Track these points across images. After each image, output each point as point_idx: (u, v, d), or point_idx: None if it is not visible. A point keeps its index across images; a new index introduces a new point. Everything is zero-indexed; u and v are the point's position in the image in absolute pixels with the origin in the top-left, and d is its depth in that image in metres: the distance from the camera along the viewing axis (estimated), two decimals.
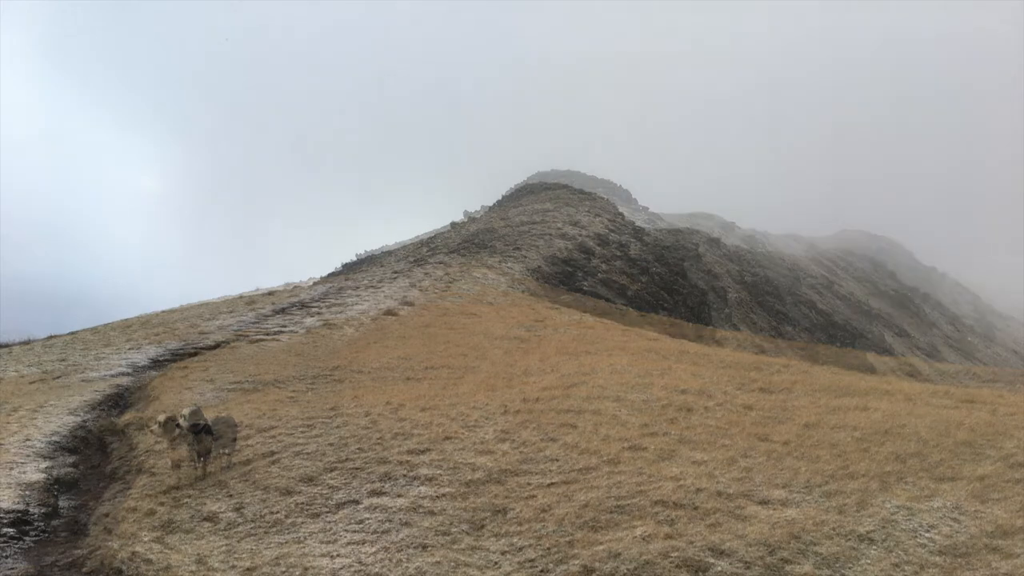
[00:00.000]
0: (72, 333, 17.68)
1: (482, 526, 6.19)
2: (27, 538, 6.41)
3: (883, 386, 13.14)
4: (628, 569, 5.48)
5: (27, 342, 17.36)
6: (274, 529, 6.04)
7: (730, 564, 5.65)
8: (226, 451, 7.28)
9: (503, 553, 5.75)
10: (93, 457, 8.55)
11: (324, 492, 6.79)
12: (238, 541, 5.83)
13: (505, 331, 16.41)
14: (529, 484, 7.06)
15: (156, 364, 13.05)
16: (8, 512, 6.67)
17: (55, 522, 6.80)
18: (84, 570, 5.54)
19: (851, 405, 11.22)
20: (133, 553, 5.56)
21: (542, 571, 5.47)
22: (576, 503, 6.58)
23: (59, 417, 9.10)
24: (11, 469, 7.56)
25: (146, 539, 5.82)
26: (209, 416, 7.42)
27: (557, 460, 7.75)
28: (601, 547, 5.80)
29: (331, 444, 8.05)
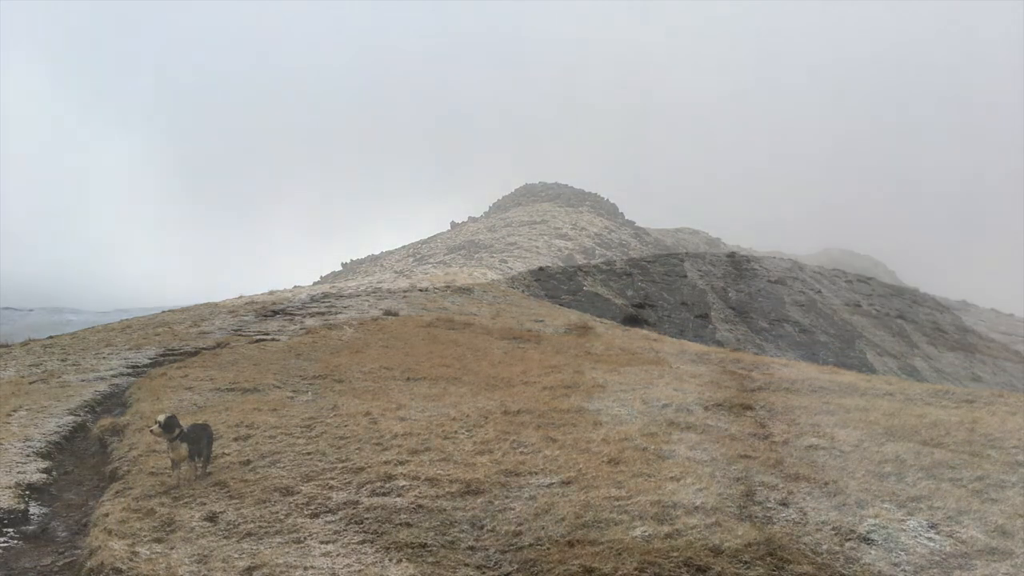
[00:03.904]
0: (72, 334, 17.68)
1: (482, 526, 6.20)
2: (26, 538, 6.42)
3: (884, 386, 13.15)
4: (629, 569, 5.48)
5: (27, 342, 17.37)
6: (274, 529, 6.04)
7: (730, 564, 5.65)
8: (201, 459, 7.22)
9: (503, 553, 5.75)
10: (93, 457, 8.54)
11: (324, 492, 6.79)
12: (238, 541, 5.83)
13: (505, 331, 16.41)
14: (529, 484, 7.07)
15: (156, 364, 13.05)
16: (8, 512, 6.67)
17: (55, 522, 6.81)
18: (83, 570, 5.54)
19: (852, 405, 11.23)
20: (133, 553, 5.56)
21: (543, 571, 5.47)
22: (576, 503, 6.58)
23: (59, 417, 9.10)
24: (11, 469, 7.57)
25: (146, 539, 5.82)
26: (186, 423, 7.37)
27: (557, 460, 7.75)
28: (602, 546, 5.80)
29: (331, 444, 8.05)
